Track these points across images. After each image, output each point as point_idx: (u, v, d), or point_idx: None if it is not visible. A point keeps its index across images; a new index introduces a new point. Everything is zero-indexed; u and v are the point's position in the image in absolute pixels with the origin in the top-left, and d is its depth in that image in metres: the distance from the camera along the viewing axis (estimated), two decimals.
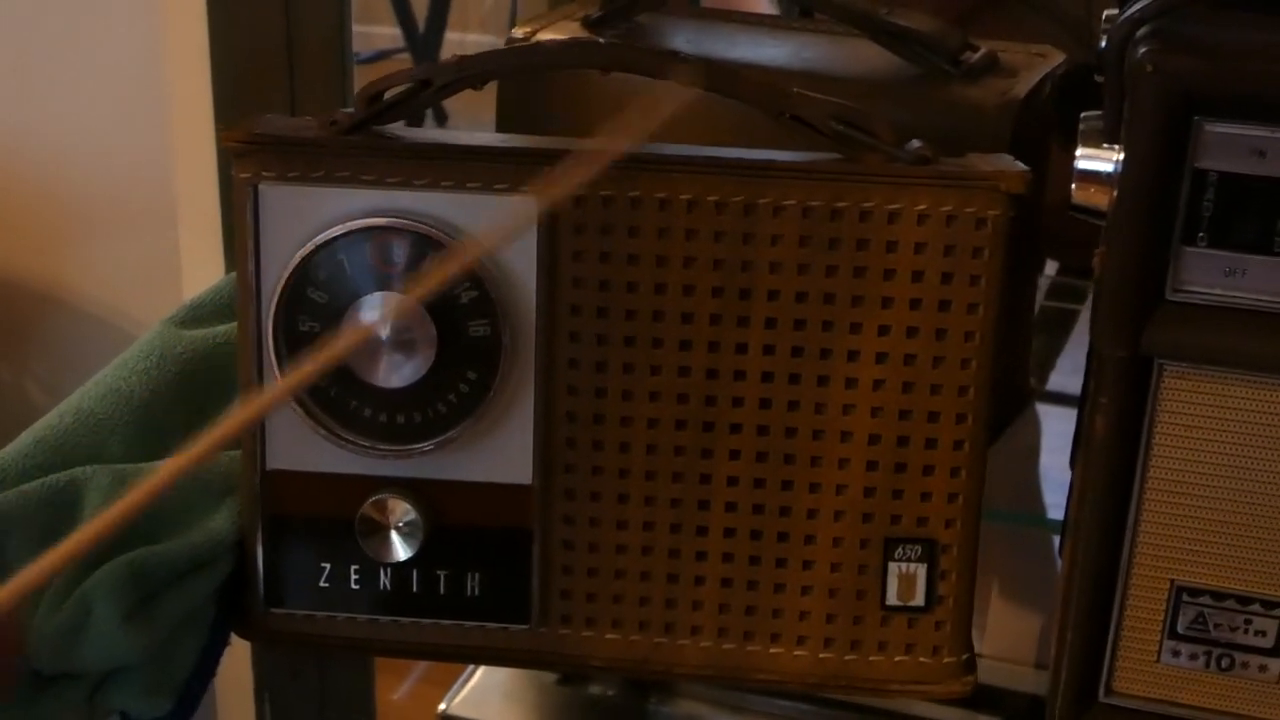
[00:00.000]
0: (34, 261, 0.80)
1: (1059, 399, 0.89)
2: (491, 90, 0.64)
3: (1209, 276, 0.42)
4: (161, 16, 0.67)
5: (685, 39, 0.66)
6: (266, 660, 0.72)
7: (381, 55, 2.90)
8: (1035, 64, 0.63)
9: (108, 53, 0.72)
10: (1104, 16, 0.49)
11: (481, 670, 0.81)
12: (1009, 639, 0.84)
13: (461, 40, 3.07)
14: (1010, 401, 0.68)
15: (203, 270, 0.70)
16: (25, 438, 0.52)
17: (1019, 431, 0.73)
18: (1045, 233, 0.64)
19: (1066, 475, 0.52)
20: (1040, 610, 0.85)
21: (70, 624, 0.46)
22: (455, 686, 0.81)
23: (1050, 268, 1.09)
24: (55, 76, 0.75)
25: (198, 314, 0.58)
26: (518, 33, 0.65)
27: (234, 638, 0.53)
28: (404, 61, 2.88)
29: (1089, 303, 0.45)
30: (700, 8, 0.77)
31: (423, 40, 2.89)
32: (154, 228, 0.73)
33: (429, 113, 2.74)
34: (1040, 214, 0.63)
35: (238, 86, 0.68)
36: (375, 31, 3.00)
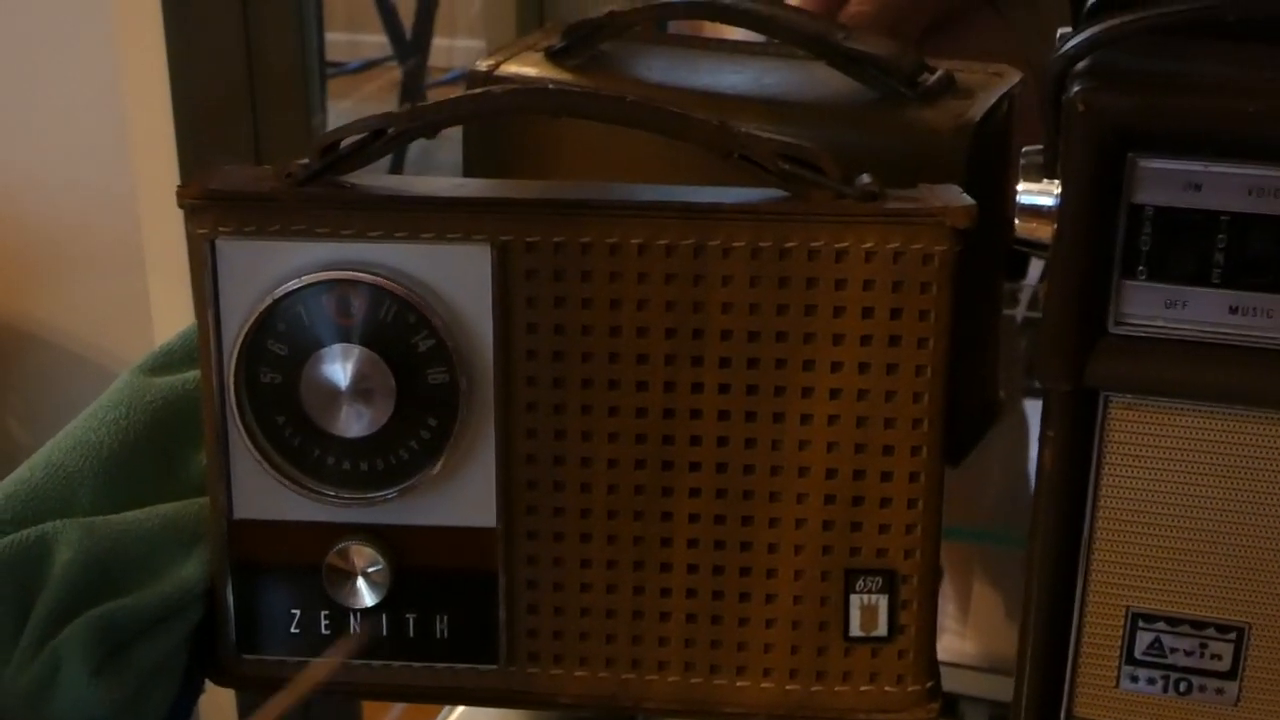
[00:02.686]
0: (9, 298, 0.80)
1: None
2: None
3: (1150, 309, 0.43)
4: (120, 54, 0.67)
5: (648, 67, 0.66)
6: (251, 699, 0.72)
7: (369, 64, 2.90)
8: (992, 84, 0.64)
9: (71, 95, 0.73)
10: (1058, 35, 0.49)
11: None
12: (991, 648, 0.85)
13: (450, 45, 3.08)
14: (980, 417, 0.68)
15: (172, 310, 0.71)
16: None
17: (997, 442, 0.73)
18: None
19: None
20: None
21: (40, 681, 0.47)
22: (444, 713, 0.81)
23: (1035, 271, 1.09)
24: (21, 117, 0.75)
25: (167, 360, 0.58)
26: (480, 66, 0.66)
27: (210, 684, 0.53)
28: (391, 69, 2.88)
29: None
30: (663, 34, 0.77)
31: (410, 47, 2.89)
32: (124, 265, 0.74)
33: None
34: (1001, 230, 0.64)
35: (200, 124, 0.68)
36: (362, 40, 3.01)
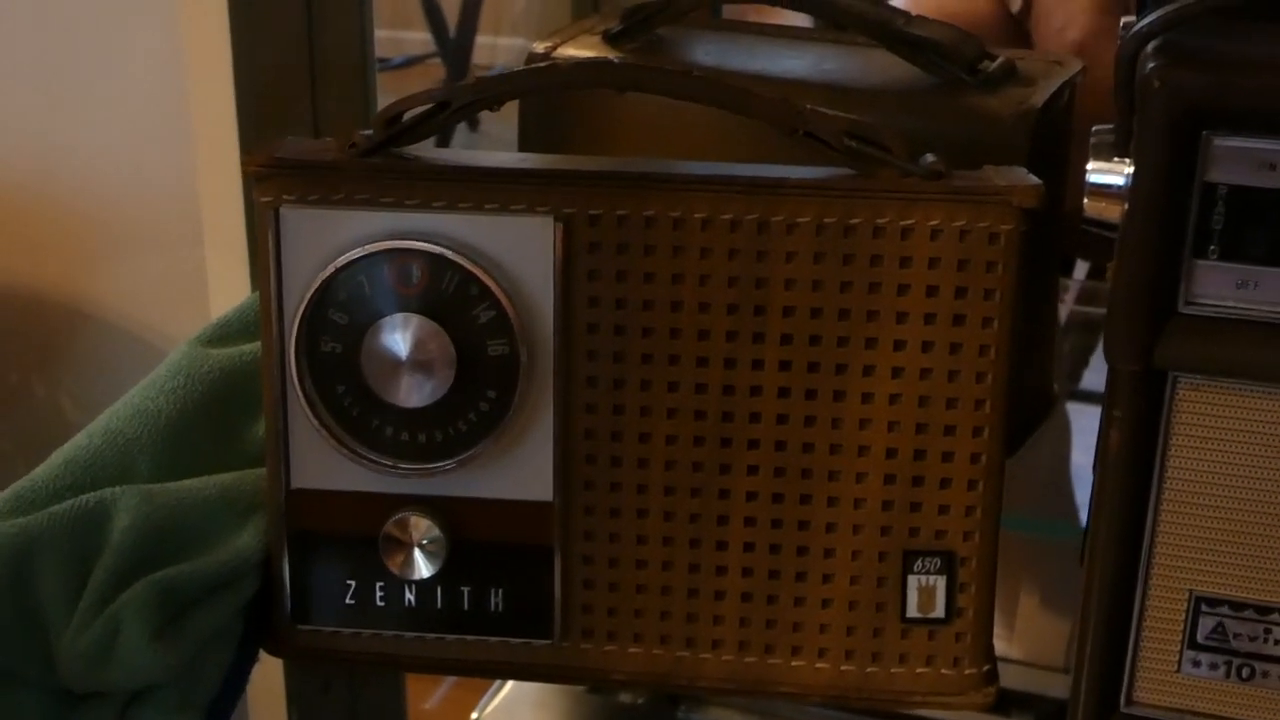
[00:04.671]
0: (64, 279, 0.81)
1: (1093, 398, 0.90)
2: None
3: (1221, 289, 0.42)
4: (184, 34, 0.68)
5: (705, 51, 0.66)
6: (298, 673, 0.72)
7: (412, 60, 2.91)
8: (1053, 72, 0.64)
9: (132, 72, 0.73)
10: (1121, 25, 0.49)
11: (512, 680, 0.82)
12: (1038, 644, 0.84)
13: (493, 44, 3.08)
14: (1035, 407, 0.68)
15: (229, 287, 0.71)
16: (55, 459, 0.53)
17: (1046, 436, 0.73)
18: (1076, 237, 0.64)
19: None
20: (1069, 615, 0.85)
21: (99, 643, 0.47)
22: (487, 696, 0.81)
23: (1080, 270, 1.09)
24: (82, 96, 0.76)
25: (224, 333, 0.59)
26: (538, 48, 0.66)
27: (263, 654, 0.53)
28: (435, 67, 2.89)
29: None
30: (720, 20, 0.77)
31: (454, 45, 2.90)
32: (181, 244, 0.74)
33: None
34: (1060, 221, 0.64)
35: (261, 103, 0.68)
36: (406, 37, 3.01)
